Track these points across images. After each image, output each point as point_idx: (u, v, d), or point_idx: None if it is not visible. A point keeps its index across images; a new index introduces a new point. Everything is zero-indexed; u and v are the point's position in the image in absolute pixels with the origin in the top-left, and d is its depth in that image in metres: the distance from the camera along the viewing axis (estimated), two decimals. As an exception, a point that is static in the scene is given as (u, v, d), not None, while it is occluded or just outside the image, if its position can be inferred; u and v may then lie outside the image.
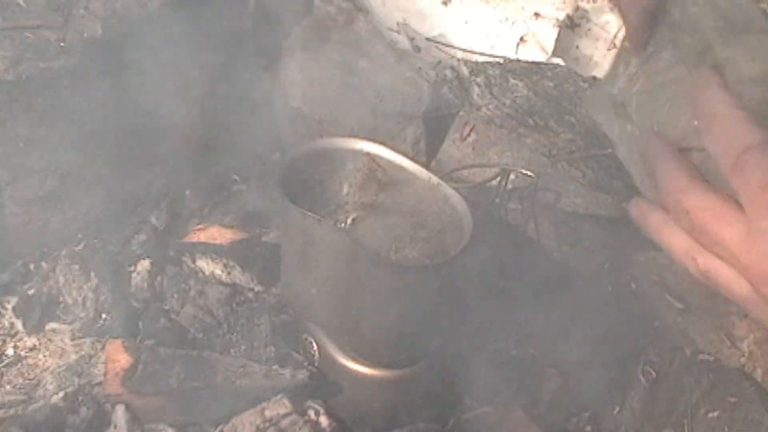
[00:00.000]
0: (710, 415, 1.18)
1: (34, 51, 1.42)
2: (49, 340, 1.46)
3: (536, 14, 2.50)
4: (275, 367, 1.31)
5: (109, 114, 1.57)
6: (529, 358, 1.50)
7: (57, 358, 1.42)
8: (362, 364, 1.29)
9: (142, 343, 1.37)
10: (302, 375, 1.29)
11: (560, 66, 2.19)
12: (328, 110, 1.78)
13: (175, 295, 1.50)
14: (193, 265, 1.57)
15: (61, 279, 1.51)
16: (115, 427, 1.26)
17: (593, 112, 1.00)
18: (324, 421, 1.28)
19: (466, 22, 2.45)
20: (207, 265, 1.56)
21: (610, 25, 2.70)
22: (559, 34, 2.49)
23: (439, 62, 2.22)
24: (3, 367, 1.40)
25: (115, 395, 1.27)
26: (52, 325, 1.48)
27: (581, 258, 1.55)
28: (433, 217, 1.32)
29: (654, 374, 1.26)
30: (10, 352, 1.43)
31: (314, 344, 1.34)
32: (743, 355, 1.23)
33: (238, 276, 1.55)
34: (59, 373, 1.38)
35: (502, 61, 2.17)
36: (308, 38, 1.87)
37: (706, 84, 0.70)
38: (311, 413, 1.29)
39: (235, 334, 1.42)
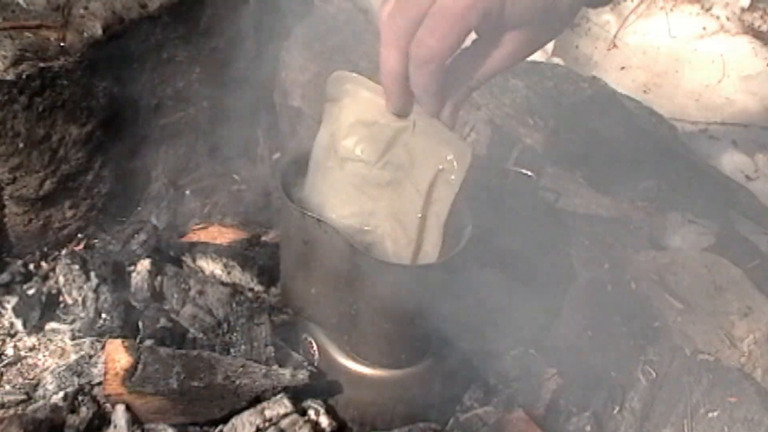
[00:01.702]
0: (710, 415, 1.18)
1: (34, 51, 1.42)
2: (49, 340, 1.46)
3: (536, 14, 2.49)
4: (275, 367, 1.31)
5: (108, 113, 1.57)
6: (529, 358, 1.50)
7: (57, 358, 1.42)
8: (362, 364, 1.29)
9: (142, 343, 1.37)
10: (302, 375, 1.29)
11: (560, 66, 2.19)
12: (328, 110, 1.77)
13: (175, 295, 1.50)
14: (193, 265, 1.57)
15: (61, 279, 1.51)
16: (115, 427, 1.26)
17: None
18: (324, 421, 1.28)
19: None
20: (207, 265, 1.56)
21: (610, 25, 2.70)
22: (559, 34, 2.49)
23: (439, 62, 2.22)
24: (3, 367, 1.40)
25: (115, 395, 1.27)
26: (52, 325, 1.48)
27: (581, 258, 1.55)
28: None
29: (654, 374, 1.26)
30: (10, 352, 1.43)
31: (314, 344, 1.34)
32: (743, 355, 1.23)
33: (238, 276, 1.55)
34: (59, 373, 1.38)
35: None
36: (308, 38, 1.87)
37: None
38: (311, 413, 1.29)
39: (235, 334, 1.42)
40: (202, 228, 1.69)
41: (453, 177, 1.14)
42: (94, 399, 1.33)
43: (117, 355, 1.29)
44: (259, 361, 1.33)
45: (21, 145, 1.47)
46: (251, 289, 1.55)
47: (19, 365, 1.41)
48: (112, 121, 1.58)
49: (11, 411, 1.31)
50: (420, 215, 1.17)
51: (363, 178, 1.22)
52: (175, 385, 1.27)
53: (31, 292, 1.51)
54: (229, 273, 1.55)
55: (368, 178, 1.22)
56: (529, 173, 1.50)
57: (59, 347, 1.44)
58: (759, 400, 1.15)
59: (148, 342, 1.40)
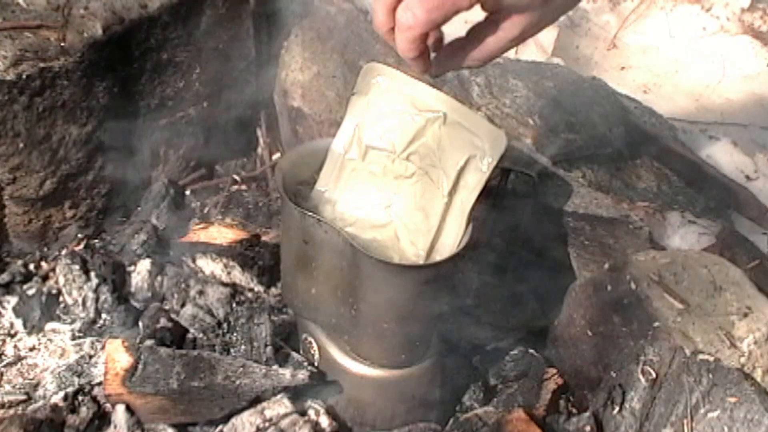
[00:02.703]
0: (710, 415, 1.18)
1: (34, 51, 1.42)
2: (49, 340, 1.46)
3: (536, 14, 2.49)
4: (275, 367, 1.31)
5: (108, 113, 1.57)
6: (529, 358, 1.50)
7: (57, 358, 1.42)
8: (362, 364, 1.29)
9: (142, 343, 1.37)
10: (302, 375, 1.29)
11: (560, 66, 2.18)
12: (328, 110, 1.78)
13: (175, 295, 1.50)
14: (193, 265, 1.57)
15: (61, 279, 1.51)
16: (115, 427, 1.26)
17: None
18: (324, 421, 1.28)
19: (466, 22, 2.45)
20: (207, 265, 1.56)
21: (610, 25, 2.70)
22: (559, 34, 2.49)
23: (439, 62, 2.22)
24: (3, 367, 1.40)
25: (115, 395, 1.27)
26: (52, 325, 1.48)
27: (581, 258, 1.55)
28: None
29: (654, 374, 1.26)
30: (10, 352, 1.43)
31: (314, 344, 1.34)
32: (743, 355, 1.23)
33: (238, 276, 1.55)
34: (59, 373, 1.38)
35: (502, 61, 2.17)
36: (308, 38, 1.87)
37: None
38: (311, 413, 1.29)
39: (235, 334, 1.42)
40: (202, 228, 1.68)
41: (485, 163, 1.14)
42: (94, 399, 1.33)
43: (117, 355, 1.29)
44: (259, 361, 1.33)
45: (21, 145, 1.47)
46: (251, 289, 1.55)
47: (19, 365, 1.41)
48: (112, 121, 1.58)
49: (11, 411, 1.31)
50: (446, 201, 1.17)
51: (385, 168, 1.22)
52: (175, 385, 1.27)
53: (31, 292, 1.51)
54: (229, 273, 1.55)
55: (390, 169, 1.22)
56: (530, 173, 1.49)
57: (59, 347, 1.44)
58: (759, 400, 1.15)
59: (148, 342, 1.40)
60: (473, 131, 1.15)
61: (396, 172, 1.22)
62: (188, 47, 1.68)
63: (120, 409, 1.27)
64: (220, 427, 1.27)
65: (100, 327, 1.46)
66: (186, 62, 1.69)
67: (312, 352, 1.35)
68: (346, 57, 1.85)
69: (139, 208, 1.70)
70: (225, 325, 1.44)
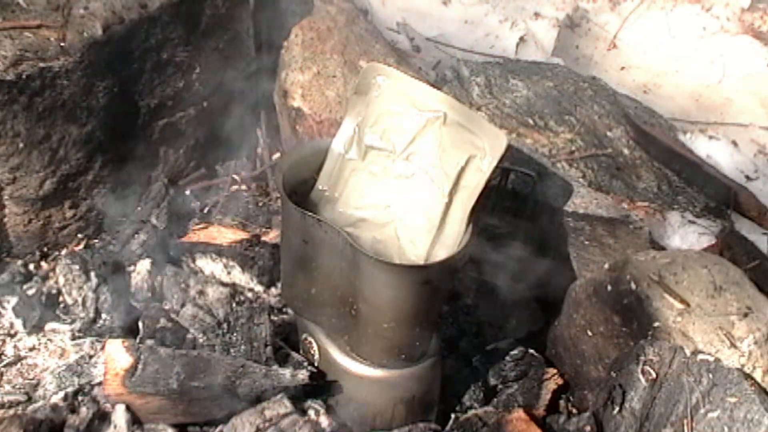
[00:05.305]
0: (710, 415, 1.18)
1: (34, 51, 1.42)
2: (49, 340, 1.46)
3: (536, 14, 2.50)
4: (275, 367, 1.31)
5: (108, 113, 1.57)
6: (529, 358, 1.50)
7: (57, 358, 1.42)
8: (362, 364, 1.29)
9: (142, 343, 1.37)
10: (302, 375, 1.29)
11: (560, 66, 2.19)
12: (328, 110, 1.78)
13: (175, 295, 1.50)
14: (193, 265, 1.57)
15: (61, 279, 1.51)
16: (115, 427, 1.26)
17: None
18: (324, 421, 1.28)
19: (466, 22, 2.45)
20: (207, 265, 1.56)
21: (610, 25, 2.70)
22: (559, 34, 2.49)
23: (439, 62, 2.23)
24: (3, 367, 1.40)
25: (115, 395, 1.27)
26: (52, 325, 1.48)
27: (581, 258, 1.55)
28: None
29: (654, 374, 1.26)
30: (10, 352, 1.43)
31: (314, 344, 1.34)
32: (743, 355, 1.23)
33: (238, 276, 1.55)
34: (59, 373, 1.38)
35: (502, 61, 2.18)
36: (308, 38, 1.88)
37: None
38: (311, 413, 1.29)
39: (235, 334, 1.42)
40: (202, 228, 1.69)
41: (485, 164, 1.15)
42: (94, 399, 1.33)
43: (117, 355, 1.29)
44: (259, 361, 1.33)
45: (21, 145, 1.47)
46: (251, 289, 1.55)
47: (19, 365, 1.41)
48: (112, 121, 1.58)
49: (11, 411, 1.31)
50: (446, 201, 1.18)
51: (385, 168, 1.23)
52: (175, 385, 1.27)
53: (31, 292, 1.51)
54: (229, 273, 1.55)
55: (390, 169, 1.22)
56: (530, 173, 1.50)
57: (59, 347, 1.44)
58: (759, 400, 1.15)
59: (148, 342, 1.40)
60: (473, 131, 1.15)
61: (396, 172, 1.22)
62: (188, 47, 1.68)
63: (120, 409, 1.27)
64: (220, 427, 1.27)
65: (100, 327, 1.46)
66: (186, 62, 1.69)
67: (312, 352, 1.35)
68: (346, 57, 1.86)
69: (139, 208, 1.70)
70: (225, 325, 1.44)
